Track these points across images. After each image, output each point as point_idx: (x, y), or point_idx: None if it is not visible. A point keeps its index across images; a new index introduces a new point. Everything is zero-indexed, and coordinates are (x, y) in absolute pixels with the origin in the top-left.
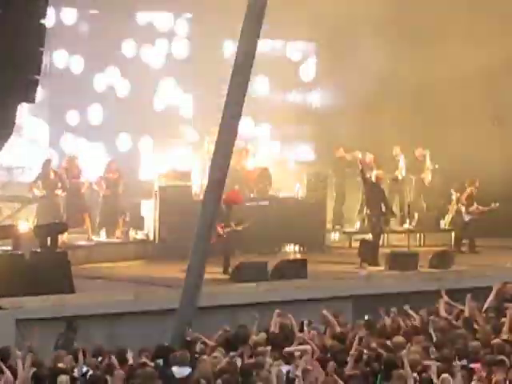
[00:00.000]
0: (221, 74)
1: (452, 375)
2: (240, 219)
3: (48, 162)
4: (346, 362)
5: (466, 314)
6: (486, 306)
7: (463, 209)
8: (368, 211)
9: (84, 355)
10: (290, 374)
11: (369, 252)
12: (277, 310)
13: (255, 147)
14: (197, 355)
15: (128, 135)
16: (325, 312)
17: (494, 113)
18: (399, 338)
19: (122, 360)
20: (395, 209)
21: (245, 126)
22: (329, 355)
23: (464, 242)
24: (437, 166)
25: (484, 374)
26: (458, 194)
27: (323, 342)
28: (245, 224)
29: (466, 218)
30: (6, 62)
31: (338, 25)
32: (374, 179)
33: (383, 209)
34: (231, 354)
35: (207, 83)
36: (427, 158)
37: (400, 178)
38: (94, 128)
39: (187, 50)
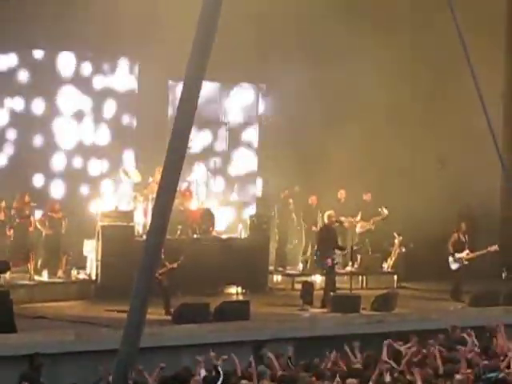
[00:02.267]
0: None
1: None
2: (173, 257)
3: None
4: None
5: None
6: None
7: (450, 258)
8: (318, 252)
9: None
10: None
11: (310, 294)
12: (212, 353)
13: (198, 188)
14: None
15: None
16: (269, 354)
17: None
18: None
19: None
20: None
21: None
22: None
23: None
24: (385, 210)
25: None
26: (401, 238)
27: None
28: (178, 261)
29: (454, 266)
30: None
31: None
32: (326, 220)
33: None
34: None
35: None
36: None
37: (345, 222)
38: None
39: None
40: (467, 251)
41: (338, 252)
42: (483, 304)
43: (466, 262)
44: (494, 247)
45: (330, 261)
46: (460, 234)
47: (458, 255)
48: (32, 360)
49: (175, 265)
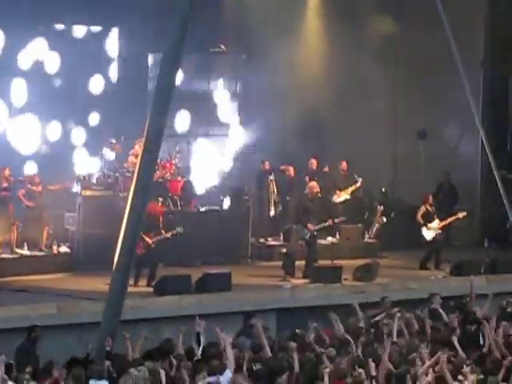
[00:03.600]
0: None
1: None
2: (170, 226)
3: None
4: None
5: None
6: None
7: (423, 229)
8: (299, 223)
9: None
10: None
11: (291, 265)
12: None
13: (180, 160)
14: (120, 368)
15: (59, 123)
16: (259, 325)
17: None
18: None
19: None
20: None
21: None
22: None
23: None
24: (360, 179)
25: None
26: (382, 208)
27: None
28: (174, 230)
29: (428, 236)
30: None
31: None
32: (307, 191)
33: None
34: (155, 364)
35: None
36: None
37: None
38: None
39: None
40: (437, 221)
41: (319, 224)
42: (464, 273)
43: (440, 231)
44: (463, 213)
45: (311, 231)
46: (427, 205)
47: (429, 225)
48: (29, 332)
49: (169, 234)
